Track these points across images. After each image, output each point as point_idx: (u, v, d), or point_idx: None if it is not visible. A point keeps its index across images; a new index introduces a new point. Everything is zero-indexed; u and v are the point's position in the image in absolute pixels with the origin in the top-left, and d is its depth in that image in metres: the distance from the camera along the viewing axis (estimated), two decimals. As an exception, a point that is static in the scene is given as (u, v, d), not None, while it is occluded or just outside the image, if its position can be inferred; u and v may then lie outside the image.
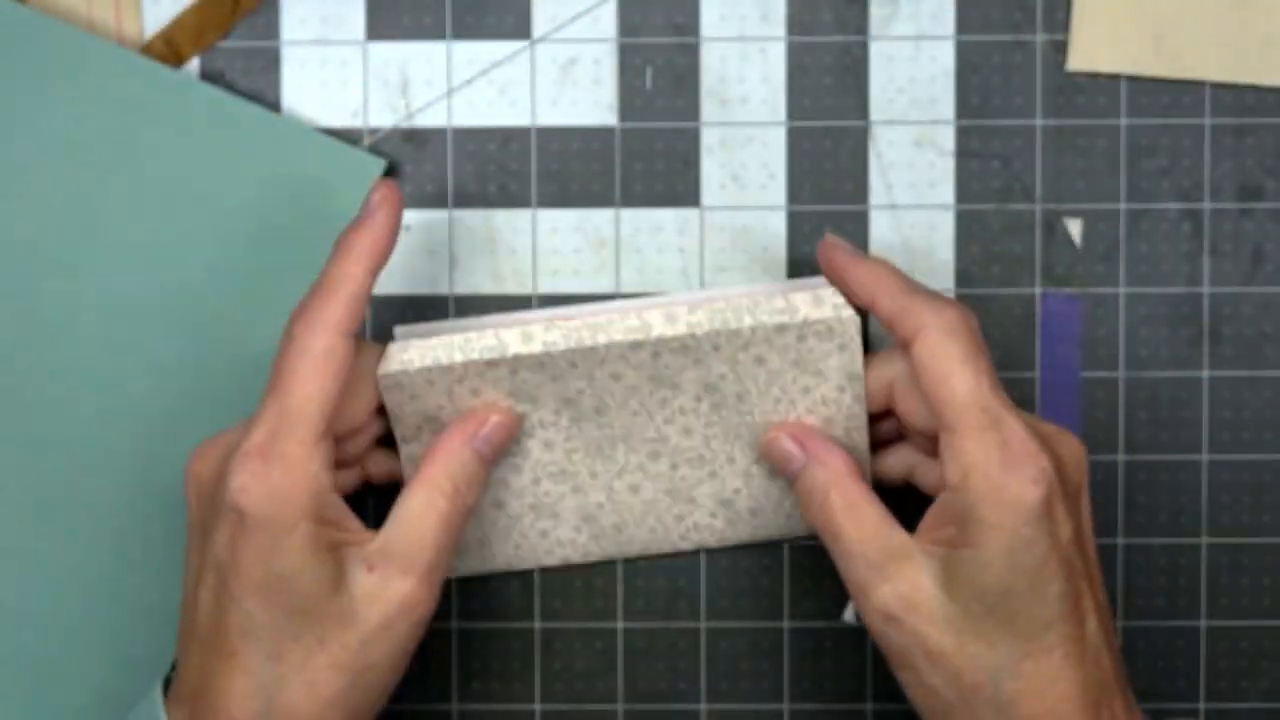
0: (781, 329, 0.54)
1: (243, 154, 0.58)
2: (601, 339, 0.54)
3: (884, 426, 0.57)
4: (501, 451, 0.55)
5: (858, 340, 0.54)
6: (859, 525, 0.51)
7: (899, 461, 0.56)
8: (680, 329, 0.54)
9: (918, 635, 0.50)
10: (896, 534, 0.51)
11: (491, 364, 0.54)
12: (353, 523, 0.51)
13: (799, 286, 0.55)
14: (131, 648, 0.58)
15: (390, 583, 0.50)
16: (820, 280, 0.55)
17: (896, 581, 0.50)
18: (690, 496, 0.58)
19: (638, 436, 0.56)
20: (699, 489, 0.58)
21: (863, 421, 0.56)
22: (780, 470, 0.55)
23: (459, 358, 0.54)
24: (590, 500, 0.57)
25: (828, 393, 0.55)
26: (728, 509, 0.58)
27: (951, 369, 0.50)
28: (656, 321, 0.54)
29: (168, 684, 0.53)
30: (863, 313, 0.54)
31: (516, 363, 0.54)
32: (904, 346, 0.52)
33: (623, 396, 0.56)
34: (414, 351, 0.54)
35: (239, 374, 0.58)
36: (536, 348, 0.54)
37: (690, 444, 0.57)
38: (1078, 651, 0.49)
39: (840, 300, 0.54)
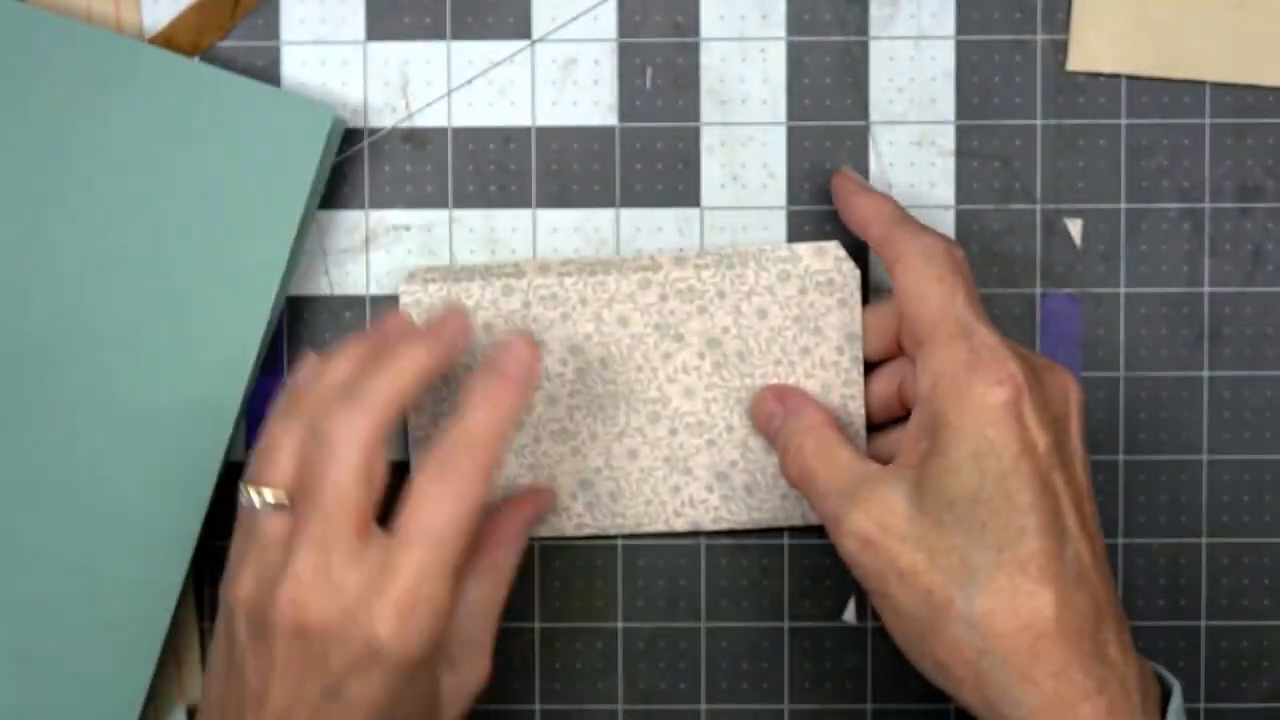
0: (784, 278, 0.56)
1: (191, 111, 0.57)
2: (613, 274, 0.55)
3: (882, 390, 0.57)
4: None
5: (857, 296, 0.55)
6: (830, 464, 0.52)
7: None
8: (688, 270, 0.55)
9: (890, 554, 0.49)
10: (868, 465, 0.51)
11: (507, 291, 0.55)
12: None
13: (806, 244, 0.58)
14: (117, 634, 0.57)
15: (472, 673, 0.52)
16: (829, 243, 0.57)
17: (868, 505, 0.50)
18: (687, 466, 0.58)
19: (639, 396, 0.57)
20: (696, 458, 0.58)
21: (859, 390, 0.57)
22: (764, 430, 0.56)
23: (478, 283, 0.55)
24: (589, 465, 0.58)
25: (826, 354, 0.56)
26: (724, 483, 0.58)
27: (926, 286, 0.51)
28: (665, 261, 0.56)
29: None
30: (863, 263, 0.57)
31: (530, 293, 0.55)
32: (891, 272, 0.53)
33: (629, 347, 0.56)
34: (432, 286, 0.56)
35: (196, 335, 0.57)
36: (551, 278, 0.55)
37: (690, 407, 0.57)
38: (1055, 569, 0.48)
39: (843, 254, 0.56)
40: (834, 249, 0.57)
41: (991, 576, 0.48)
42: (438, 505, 0.48)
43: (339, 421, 0.48)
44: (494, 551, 0.53)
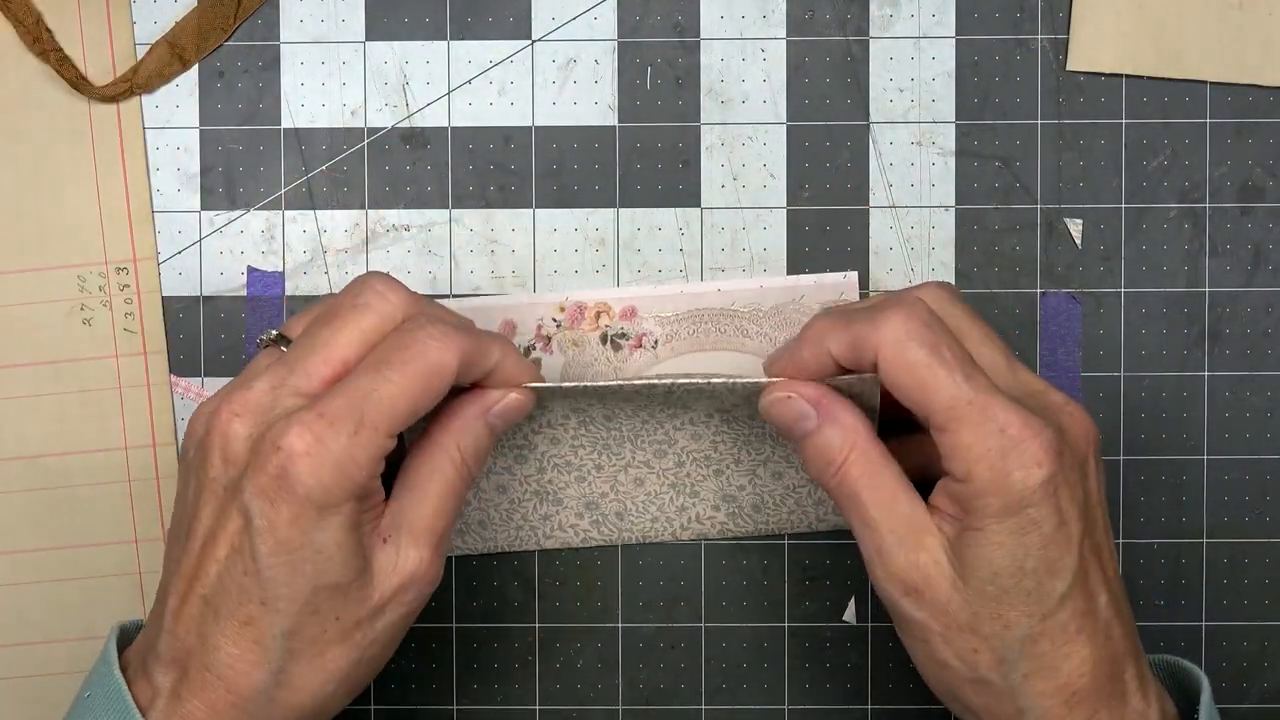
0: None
1: None
2: (615, 382, 0.54)
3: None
4: (511, 427, 0.55)
5: (876, 393, 0.53)
6: (879, 490, 0.50)
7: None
8: (698, 380, 0.54)
9: (935, 609, 0.50)
10: (916, 505, 0.50)
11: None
12: (377, 494, 0.50)
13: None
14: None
15: (405, 554, 0.50)
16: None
17: (918, 554, 0.50)
18: (694, 490, 0.58)
19: (646, 438, 0.57)
20: (703, 484, 0.58)
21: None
22: (788, 431, 0.53)
23: None
24: (594, 490, 0.58)
25: None
26: (730, 504, 0.58)
27: (921, 378, 0.49)
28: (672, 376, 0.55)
29: (123, 639, 0.51)
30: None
31: (549, 393, 0.54)
32: (879, 369, 0.51)
33: (633, 410, 0.56)
34: None
35: None
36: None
37: (698, 446, 0.57)
38: (1090, 626, 0.49)
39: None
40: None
41: (1034, 642, 0.49)
42: (416, 359, 0.49)
43: (432, 314, 0.50)
44: (441, 434, 0.52)
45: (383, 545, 0.50)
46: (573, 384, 0.53)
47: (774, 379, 0.52)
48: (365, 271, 0.55)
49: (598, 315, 0.58)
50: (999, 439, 0.48)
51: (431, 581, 0.51)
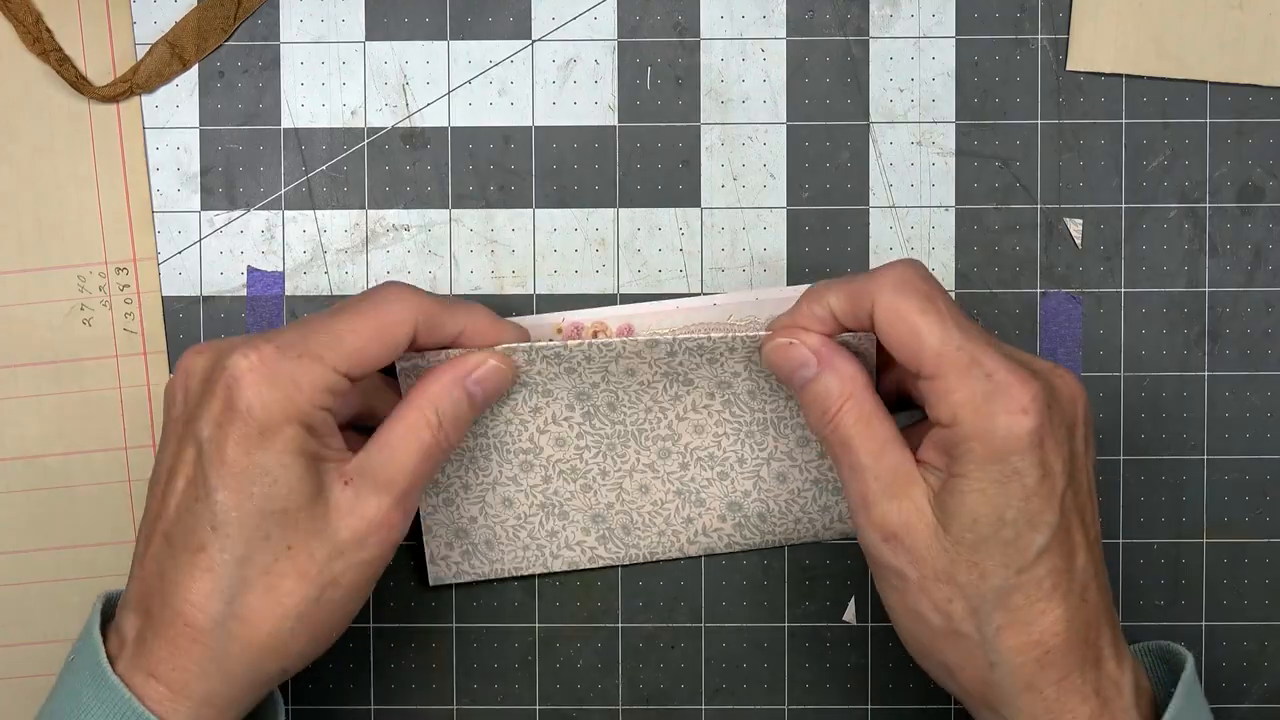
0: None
1: None
2: (617, 340, 0.54)
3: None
4: (492, 399, 0.55)
5: (873, 351, 0.54)
6: (871, 439, 0.51)
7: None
8: (699, 337, 0.54)
9: (912, 556, 0.50)
10: (905, 455, 0.51)
11: (510, 350, 0.54)
12: (337, 441, 0.51)
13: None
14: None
15: (365, 500, 0.50)
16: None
17: (900, 501, 0.50)
18: (700, 498, 0.58)
19: (649, 434, 0.57)
20: (708, 489, 0.58)
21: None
22: (789, 379, 0.53)
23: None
24: (600, 500, 0.58)
25: None
26: (736, 512, 0.58)
27: (913, 324, 0.50)
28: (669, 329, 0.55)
29: (108, 608, 0.52)
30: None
31: (533, 352, 0.54)
32: (871, 322, 0.51)
33: (636, 392, 0.56)
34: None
35: None
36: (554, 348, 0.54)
37: (701, 442, 0.57)
38: (1065, 584, 0.49)
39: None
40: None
41: (1009, 595, 0.49)
42: (374, 307, 0.51)
43: (392, 284, 0.53)
44: (418, 395, 0.52)
45: (343, 487, 0.50)
46: (559, 344, 0.53)
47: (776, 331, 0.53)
48: (385, 281, 0.54)
49: (595, 334, 0.58)
50: (985, 384, 0.49)
51: (390, 533, 0.51)
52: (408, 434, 0.52)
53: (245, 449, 0.48)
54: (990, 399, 0.49)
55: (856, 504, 0.51)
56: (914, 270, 0.51)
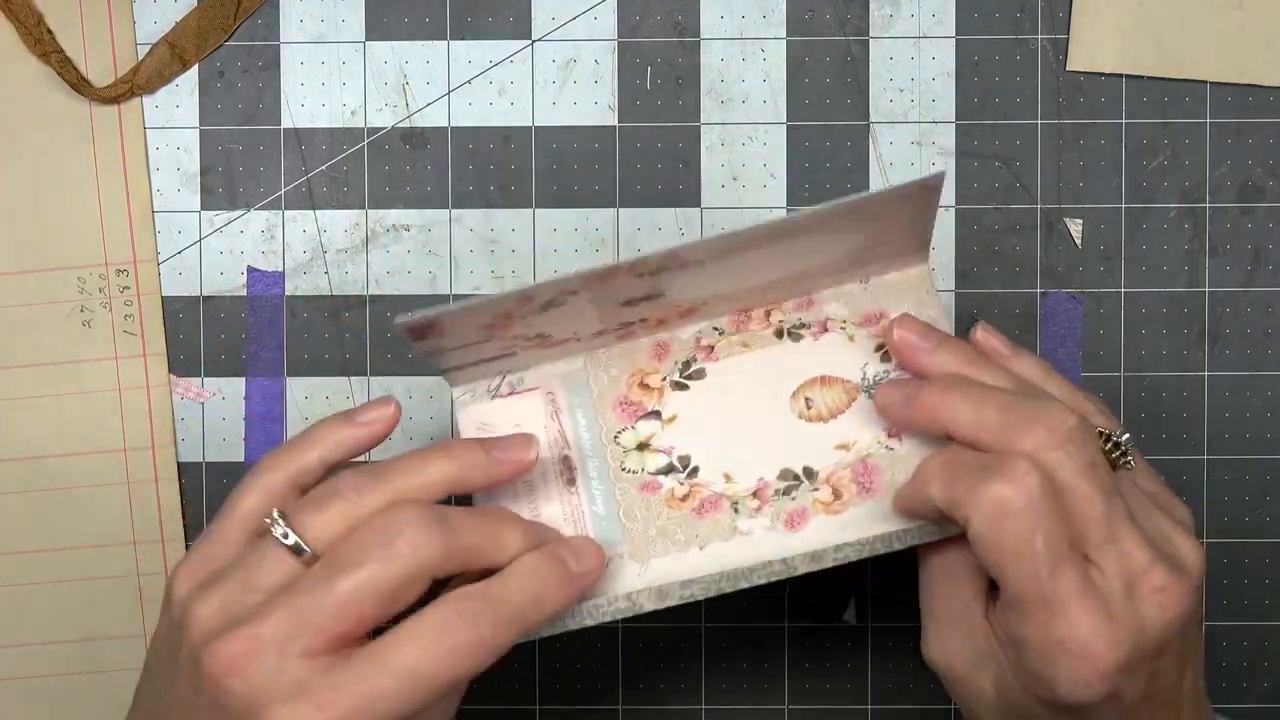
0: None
1: None
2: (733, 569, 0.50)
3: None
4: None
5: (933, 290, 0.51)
6: (951, 602, 0.50)
7: None
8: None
9: (966, 705, 0.49)
10: (977, 632, 0.49)
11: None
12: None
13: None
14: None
15: None
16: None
17: (967, 684, 0.49)
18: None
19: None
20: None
21: (940, 312, 0.52)
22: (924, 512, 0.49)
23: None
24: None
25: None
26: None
27: (1003, 563, 0.45)
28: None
29: None
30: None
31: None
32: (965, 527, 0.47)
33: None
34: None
35: None
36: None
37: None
38: None
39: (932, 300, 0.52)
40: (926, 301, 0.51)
41: None
42: (431, 646, 0.44)
43: (413, 536, 0.44)
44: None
45: None
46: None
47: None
48: (401, 505, 0.45)
49: (768, 312, 0.52)
50: (1058, 649, 0.45)
51: None
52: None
53: None
54: (1055, 666, 0.45)
55: (929, 624, 0.50)
56: (1019, 490, 0.45)
